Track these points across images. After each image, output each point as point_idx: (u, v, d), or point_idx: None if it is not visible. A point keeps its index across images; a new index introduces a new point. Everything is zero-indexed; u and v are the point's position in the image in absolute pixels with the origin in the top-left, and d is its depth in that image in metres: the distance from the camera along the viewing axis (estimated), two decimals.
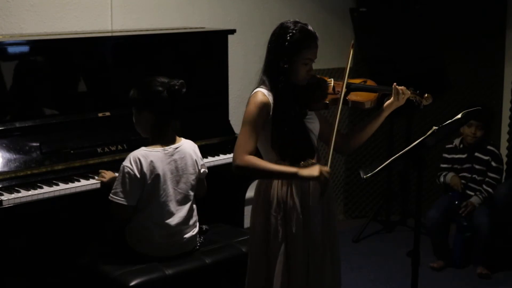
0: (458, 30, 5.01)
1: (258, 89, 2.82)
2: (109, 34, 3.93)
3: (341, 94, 2.86)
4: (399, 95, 2.92)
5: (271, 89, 2.81)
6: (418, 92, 3.00)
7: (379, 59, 4.92)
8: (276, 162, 2.84)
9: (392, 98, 2.93)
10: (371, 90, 2.97)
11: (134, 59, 3.75)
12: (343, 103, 2.87)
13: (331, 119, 2.96)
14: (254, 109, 2.78)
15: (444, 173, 4.64)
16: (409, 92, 2.94)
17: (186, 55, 3.94)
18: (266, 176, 2.82)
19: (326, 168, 2.71)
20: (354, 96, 2.94)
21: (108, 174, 3.22)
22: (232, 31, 4.07)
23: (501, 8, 4.98)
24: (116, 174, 3.16)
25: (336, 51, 5.13)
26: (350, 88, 2.94)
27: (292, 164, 2.82)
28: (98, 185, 3.22)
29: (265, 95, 2.80)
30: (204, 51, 4.01)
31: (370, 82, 3.02)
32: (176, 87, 3.08)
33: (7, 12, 3.69)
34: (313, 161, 2.88)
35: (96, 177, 3.26)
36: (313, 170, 2.70)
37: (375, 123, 2.99)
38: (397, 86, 2.92)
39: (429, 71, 4.72)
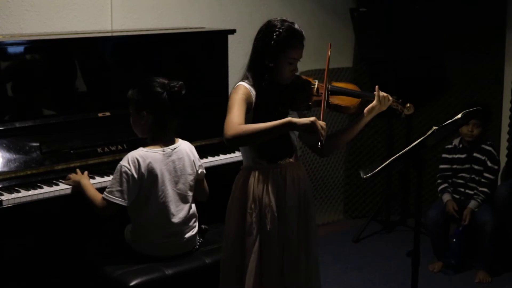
0: (458, 30, 5.00)
1: (241, 83, 2.83)
2: (109, 34, 3.92)
3: (324, 93, 2.85)
4: (382, 99, 2.92)
5: (253, 85, 2.81)
6: (400, 101, 3.00)
7: (379, 59, 4.92)
8: (253, 160, 2.83)
9: (374, 102, 2.92)
10: (354, 95, 2.96)
11: (134, 59, 3.75)
12: (325, 106, 2.85)
13: None
14: (238, 95, 2.75)
15: (442, 186, 4.59)
16: (391, 99, 2.94)
17: (186, 55, 3.94)
18: (260, 136, 2.67)
19: (321, 121, 2.67)
20: (336, 100, 2.93)
21: (73, 177, 3.19)
22: (232, 31, 4.07)
23: (501, 8, 4.98)
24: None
25: (336, 51, 5.13)
26: (332, 91, 2.93)
27: (269, 162, 2.80)
28: (99, 185, 3.20)
29: (247, 88, 2.79)
30: (204, 51, 4.01)
31: (353, 87, 3.01)
32: (176, 88, 3.07)
33: (7, 12, 3.69)
34: (291, 160, 2.87)
35: (64, 181, 3.21)
36: (307, 119, 2.65)
37: (356, 127, 2.97)
38: (380, 91, 2.92)
39: (429, 71, 4.72)
